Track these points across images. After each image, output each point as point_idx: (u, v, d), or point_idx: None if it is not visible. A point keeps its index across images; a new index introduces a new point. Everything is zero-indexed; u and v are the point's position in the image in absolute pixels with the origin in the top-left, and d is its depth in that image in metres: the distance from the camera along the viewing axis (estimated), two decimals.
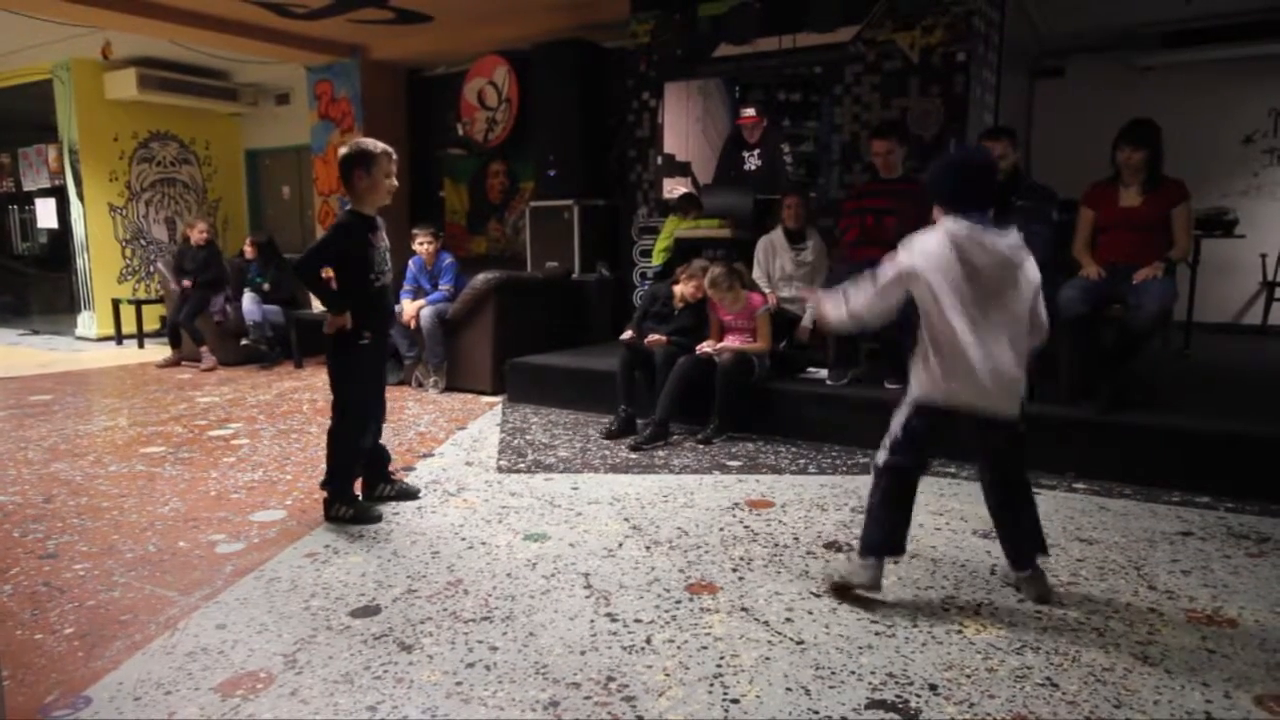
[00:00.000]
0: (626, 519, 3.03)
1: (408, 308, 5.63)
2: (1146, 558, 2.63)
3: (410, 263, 5.84)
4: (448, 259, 5.82)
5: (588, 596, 2.38)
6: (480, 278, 5.48)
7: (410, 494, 3.28)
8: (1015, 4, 5.78)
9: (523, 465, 3.79)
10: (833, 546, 2.75)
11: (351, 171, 2.94)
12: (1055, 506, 3.14)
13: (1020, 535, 2.36)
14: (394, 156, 3.01)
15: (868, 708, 1.80)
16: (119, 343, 8.48)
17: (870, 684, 1.89)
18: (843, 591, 2.37)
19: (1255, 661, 1.99)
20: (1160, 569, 2.54)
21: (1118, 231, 3.83)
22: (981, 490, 2.43)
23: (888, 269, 2.25)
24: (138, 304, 8.42)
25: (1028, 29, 6.55)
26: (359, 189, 2.96)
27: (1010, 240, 2.22)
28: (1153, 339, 3.67)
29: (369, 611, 2.29)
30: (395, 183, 3.03)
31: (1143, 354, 3.71)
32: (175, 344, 6.96)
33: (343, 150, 2.97)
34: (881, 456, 2.34)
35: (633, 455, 3.95)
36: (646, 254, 6.20)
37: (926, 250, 2.21)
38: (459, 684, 1.91)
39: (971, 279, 2.17)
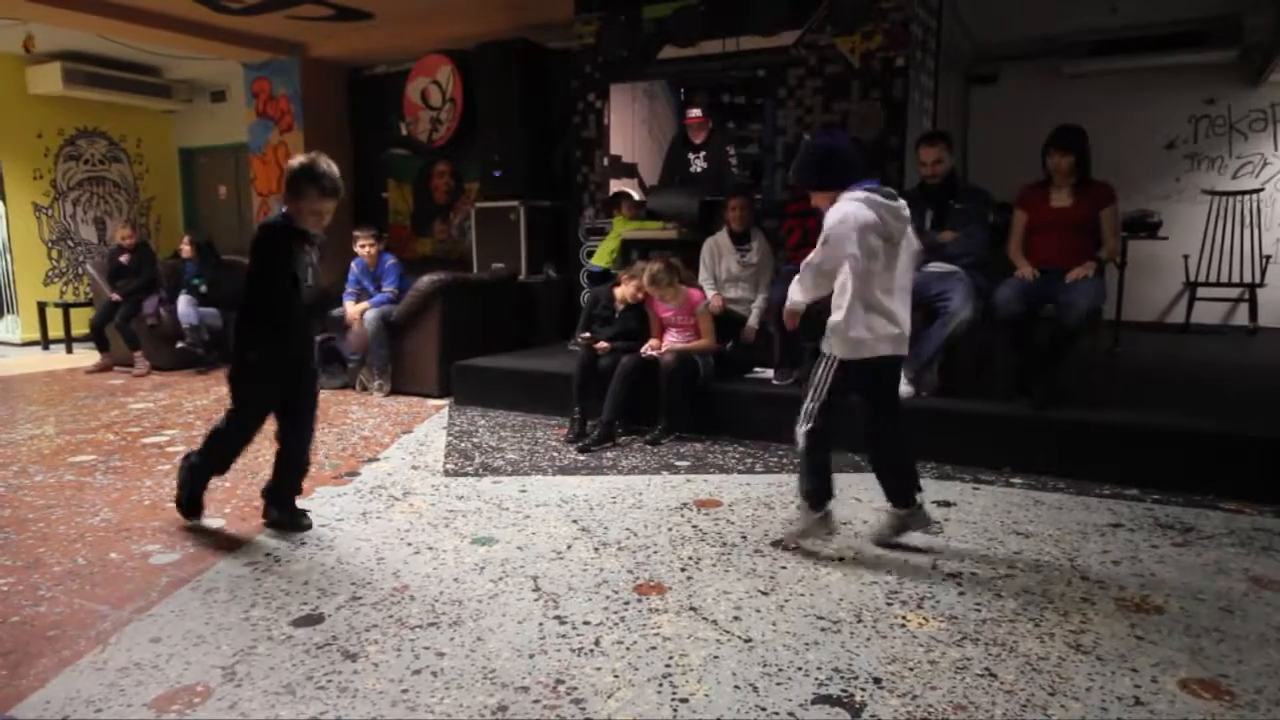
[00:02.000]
0: (575, 521, 3.02)
1: (351, 310, 5.52)
2: (1079, 549, 2.73)
3: (352, 265, 5.73)
4: (390, 260, 5.74)
5: (536, 599, 2.36)
6: (425, 279, 5.41)
7: (302, 525, 2.96)
8: (951, 12, 5.93)
9: (470, 468, 3.75)
10: (780, 545, 2.78)
11: (285, 189, 2.77)
12: (993, 501, 3.23)
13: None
14: (330, 190, 2.74)
15: (814, 703, 1.83)
16: (45, 347, 8.15)
17: (817, 679, 1.92)
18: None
19: (1180, 647, 2.07)
20: (1092, 559, 2.63)
21: (1049, 233, 3.96)
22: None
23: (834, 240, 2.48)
24: (65, 307, 8.10)
25: (963, 36, 6.73)
26: (289, 207, 2.77)
27: (900, 201, 2.55)
28: (1083, 337, 3.79)
29: (312, 620, 2.24)
30: (325, 220, 2.79)
31: (1074, 352, 3.83)
32: (102, 347, 6.72)
33: (291, 162, 2.78)
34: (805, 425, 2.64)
35: (581, 457, 3.94)
36: (594, 255, 6.20)
37: (858, 217, 2.46)
38: (405, 691, 1.88)
39: (887, 240, 2.50)
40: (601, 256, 5.75)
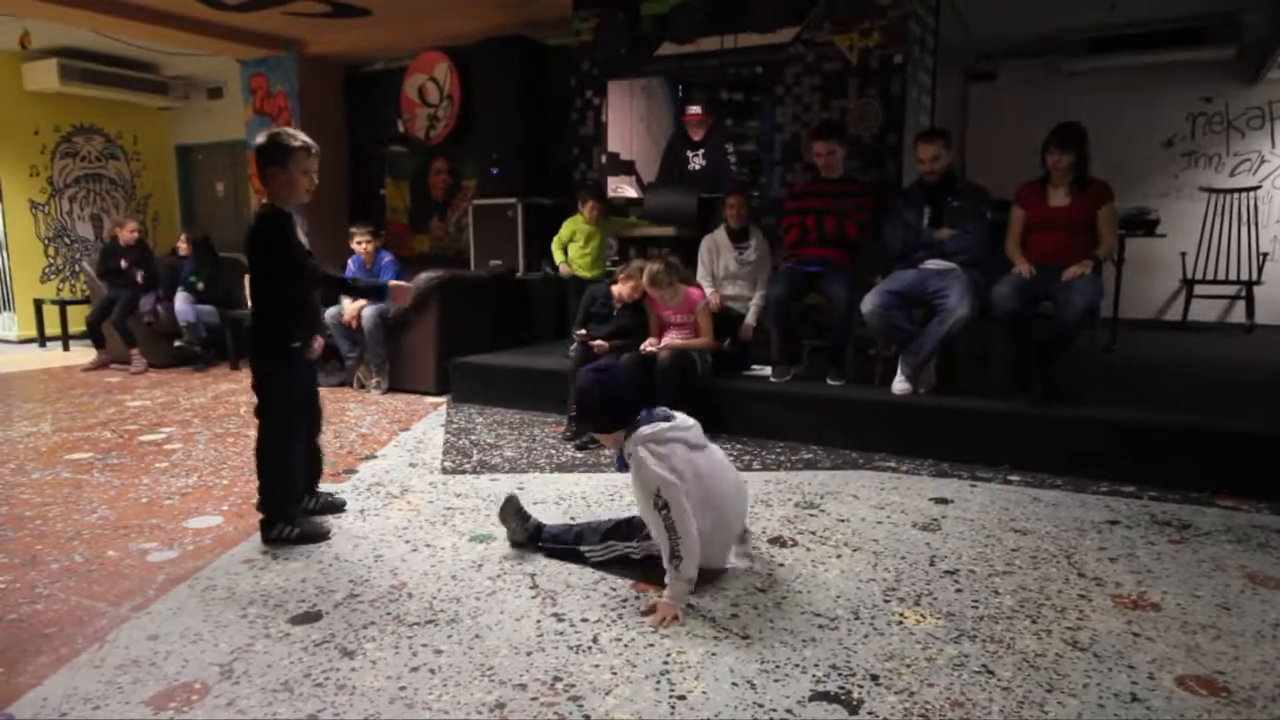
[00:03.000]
0: (573, 518, 3.02)
1: (348, 307, 5.52)
2: (1076, 546, 2.73)
3: (349, 262, 5.73)
4: (387, 257, 5.74)
5: (534, 597, 2.36)
6: (423, 276, 5.41)
7: (337, 506, 3.09)
8: (949, 9, 5.93)
9: (468, 466, 3.75)
10: (777, 542, 2.78)
11: (265, 167, 2.70)
12: (991, 498, 3.23)
13: None
14: (314, 151, 2.74)
15: (811, 699, 1.83)
16: (42, 345, 8.14)
17: (814, 676, 1.92)
18: None
19: (1177, 643, 2.07)
20: (1089, 556, 2.64)
21: (1047, 230, 3.96)
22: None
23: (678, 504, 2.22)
24: (62, 304, 8.09)
25: (961, 33, 6.72)
26: (274, 186, 2.71)
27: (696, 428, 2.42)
28: (1081, 335, 3.79)
29: (310, 618, 2.24)
30: (315, 179, 2.76)
31: (1071, 349, 3.83)
32: (99, 344, 6.73)
33: (258, 140, 2.75)
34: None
35: (579, 454, 3.94)
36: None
37: (671, 464, 2.27)
38: (403, 689, 1.88)
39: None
40: (581, 264, 5.64)
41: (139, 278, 6.66)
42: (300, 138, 2.72)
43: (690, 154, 5.74)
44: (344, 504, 3.13)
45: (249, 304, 2.91)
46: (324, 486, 3.23)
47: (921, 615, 2.24)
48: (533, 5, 6.28)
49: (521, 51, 6.61)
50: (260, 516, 2.82)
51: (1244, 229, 6.99)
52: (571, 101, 6.29)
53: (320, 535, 2.82)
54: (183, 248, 6.79)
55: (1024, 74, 7.63)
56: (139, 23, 6.61)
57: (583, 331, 4.45)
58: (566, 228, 5.70)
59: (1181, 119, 7.30)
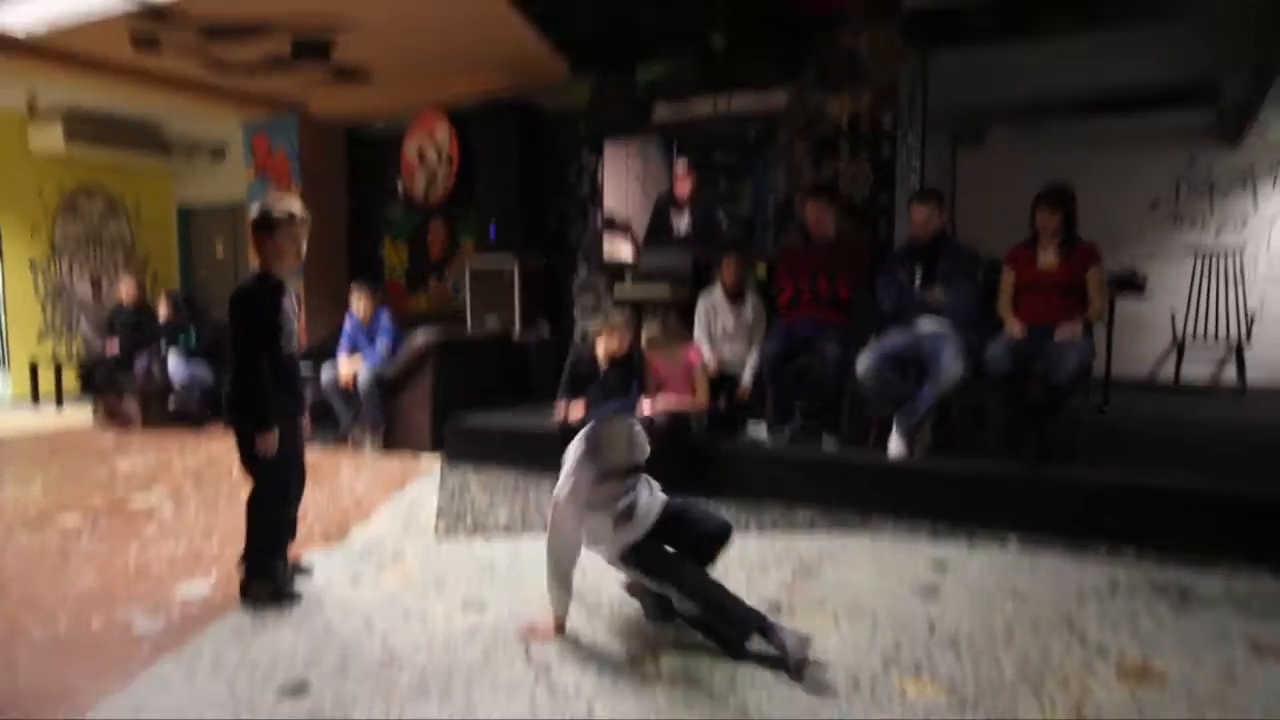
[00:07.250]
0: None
1: (344, 369, 5.52)
2: (1077, 613, 2.69)
3: (346, 320, 5.75)
4: (385, 317, 5.76)
5: (527, 667, 2.32)
6: (419, 336, 5.42)
7: (303, 571, 3.05)
8: (936, 75, 6.08)
9: (462, 529, 3.71)
10: (775, 608, 2.74)
11: (256, 236, 2.81)
12: (989, 562, 3.20)
13: None
14: (300, 219, 2.83)
15: None
16: (35, 401, 8.09)
17: None
18: None
19: (1183, 716, 2.03)
20: (1091, 624, 2.60)
21: (1037, 292, 4.00)
22: None
23: None
24: (58, 364, 8.07)
25: (949, 98, 6.87)
26: (265, 253, 2.82)
27: None
28: (1074, 395, 3.80)
29: (297, 690, 2.19)
30: (304, 247, 2.87)
31: (1065, 410, 3.84)
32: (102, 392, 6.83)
33: (251, 213, 2.86)
34: None
35: None
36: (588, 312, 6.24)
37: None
38: None
39: None
40: None
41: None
42: (290, 209, 2.82)
43: (674, 213, 5.82)
44: (311, 569, 3.09)
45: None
46: (319, 550, 3.21)
47: (923, 686, 2.19)
48: (530, 70, 6.43)
49: (519, 114, 6.74)
50: (241, 574, 2.85)
51: (1231, 289, 7.06)
52: (568, 163, 6.40)
53: (291, 597, 2.83)
54: (163, 313, 6.81)
55: (1010, 137, 7.78)
56: (147, 87, 6.76)
57: (562, 408, 4.33)
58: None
59: (1166, 181, 7.43)
